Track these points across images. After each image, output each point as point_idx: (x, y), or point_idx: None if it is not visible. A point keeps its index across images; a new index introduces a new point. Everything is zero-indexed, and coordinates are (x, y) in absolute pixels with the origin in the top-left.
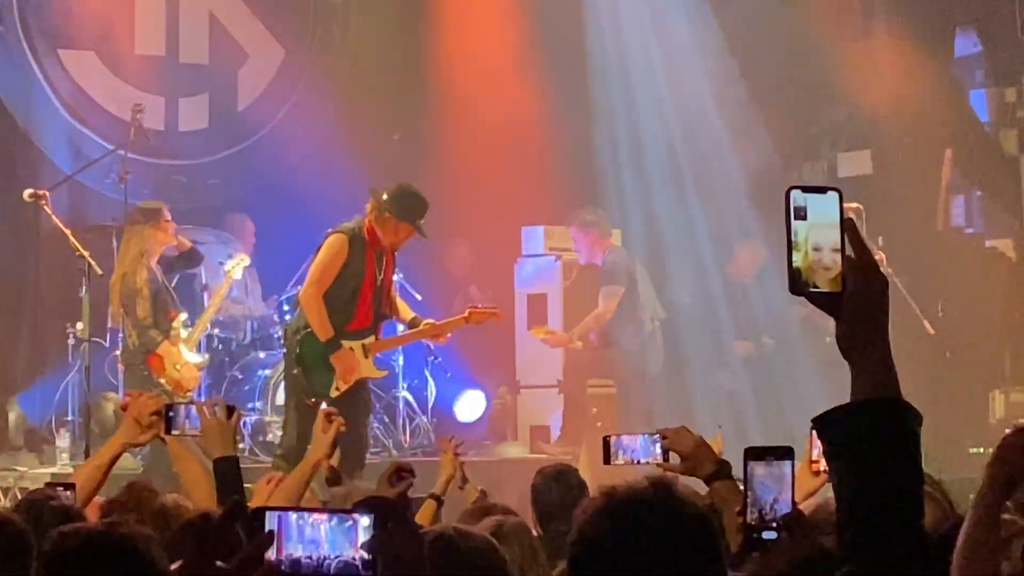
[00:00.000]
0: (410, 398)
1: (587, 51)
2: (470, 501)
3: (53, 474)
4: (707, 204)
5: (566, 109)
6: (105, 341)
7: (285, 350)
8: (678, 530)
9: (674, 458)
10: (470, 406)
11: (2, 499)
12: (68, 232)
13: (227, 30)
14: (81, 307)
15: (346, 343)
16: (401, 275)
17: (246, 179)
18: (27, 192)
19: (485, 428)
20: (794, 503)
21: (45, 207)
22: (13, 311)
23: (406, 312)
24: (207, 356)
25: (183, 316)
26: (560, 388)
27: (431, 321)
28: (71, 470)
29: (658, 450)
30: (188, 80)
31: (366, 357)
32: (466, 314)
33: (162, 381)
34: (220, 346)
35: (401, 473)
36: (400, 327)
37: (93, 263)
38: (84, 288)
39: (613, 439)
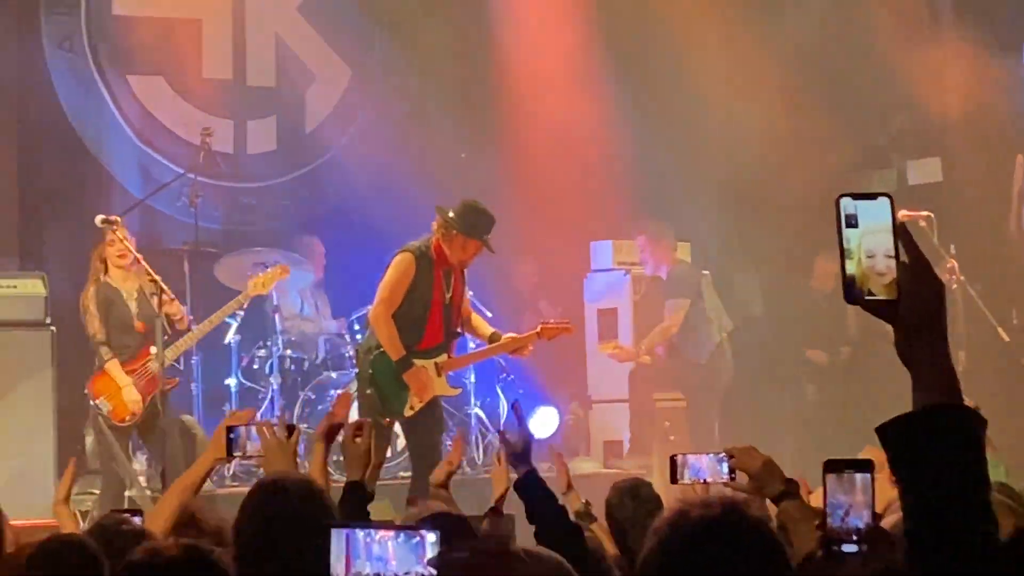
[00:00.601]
0: (482, 415)
1: (652, 63)
2: (572, 509)
3: (130, 497)
4: (776, 214)
5: (633, 122)
6: (180, 364)
7: (358, 370)
8: (749, 552)
9: (741, 477)
10: (543, 422)
11: (81, 522)
12: (140, 257)
13: (293, 52)
14: (154, 331)
15: (418, 362)
16: (471, 292)
17: (315, 200)
18: (99, 218)
19: (559, 443)
20: (875, 516)
21: (117, 232)
22: (87, 336)
23: (484, 329)
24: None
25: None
26: (629, 402)
27: (512, 335)
28: (148, 492)
29: (725, 469)
30: (256, 102)
31: (439, 375)
32: (538, 329)
33: (97, 403)
34: (292, 366)
35: (357, 431)
36: (472, 344)
37: (165, 287)
38: (158, 312)
39: (680, 458)
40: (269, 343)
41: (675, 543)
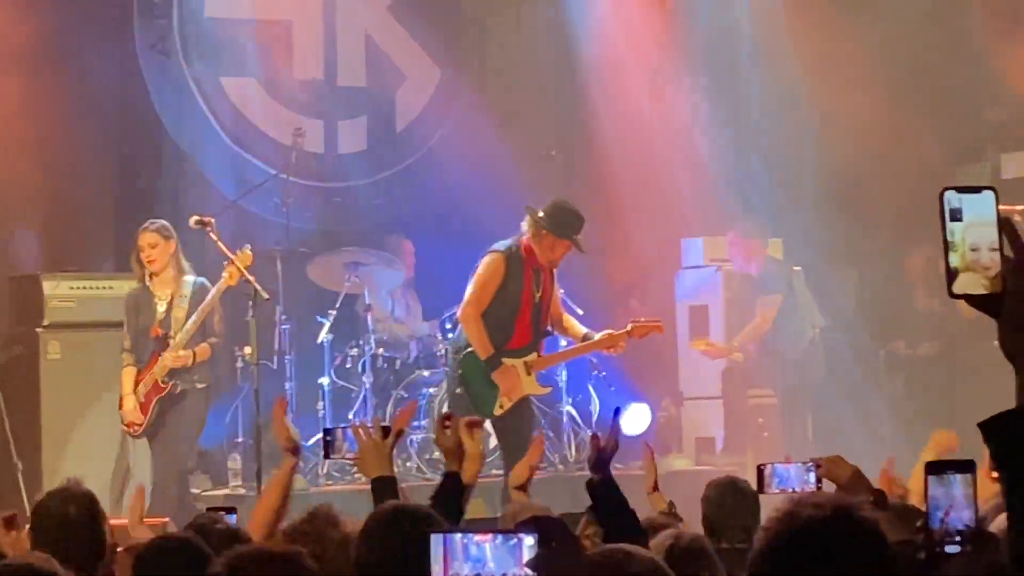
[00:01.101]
0: (575, 413)
1: (746, 56)
2: (656, 509)
3: (226, 495)
4: (868, 209)
5: (725, 118)
6: (273, 364)
7: (448, 369)
8: (858, 553)
9: (828, 487)
10: (635, 419)
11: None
12: (234, 257)
13: (384, 52)
14: (248, 331)
15: (507, 361)
16: (562, 290)
17: (405, 199)
18: (193, 219)
19: (651, 441)
20: (977, 516)
21: (211, 233)
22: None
23: (576, 329)
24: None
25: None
26: (722, 399)
27: (607, 332)
28: (243, 491)
29: (812, 479)
30: (346, 103)
31: (528, 374)
32: (628, 328)
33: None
34: (384, 365)
35: (445, 422)
36: (563, 343)
37: (259, 288)
38: (251, 312)
39: (767, 468)
40: (361, 342)
41: (784, 542)
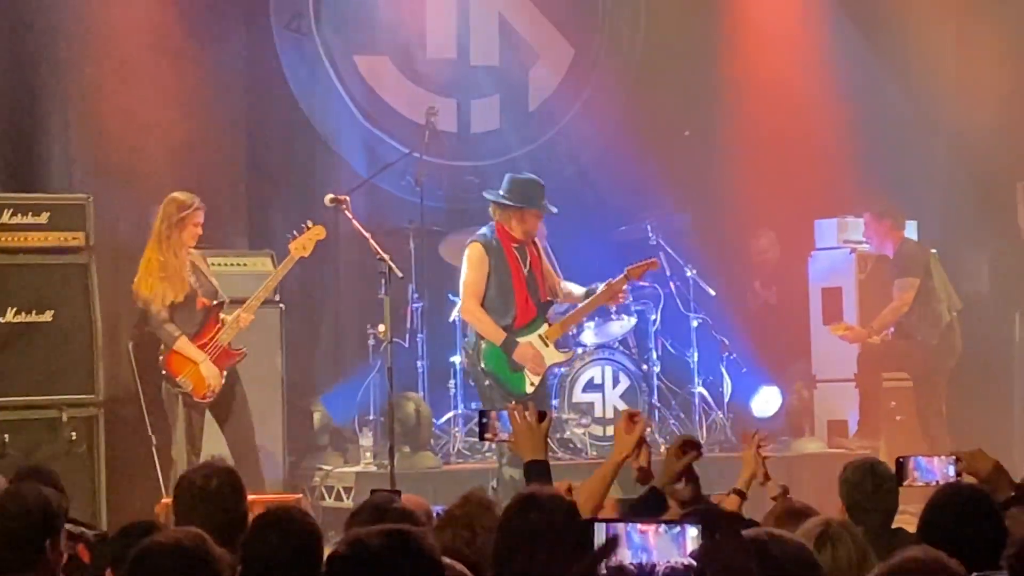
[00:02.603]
0: (706, 394)
1: (881, 35)
2: (770, 497)
3: (357, 473)
4: (1004, 190)
5: (860, 98)
6: (405, 342)
7: (467, 368)
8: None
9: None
10: (766, 401)
11: (308, 496)
12: (368, 235)
13: (517, 31)
14: (382, 309)
15: (521, 339)
16: (694, 270)
17: (538, 177)
18: (328, 197)
19: (782, 423)
20: None
21: (346, 211)
22: (315, 314)
23: (578, 289)
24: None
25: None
26: (856, 382)
27: (609, 281)
28: (374, 468)
29: (952, 472)
30: (479, 82)
31: (547, 346)
32: (625, 273)
33: (179, 381)
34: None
35: (686, 447)
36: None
37: (393, 265)
38: (384, 290)
39: (910, 460)
40: None
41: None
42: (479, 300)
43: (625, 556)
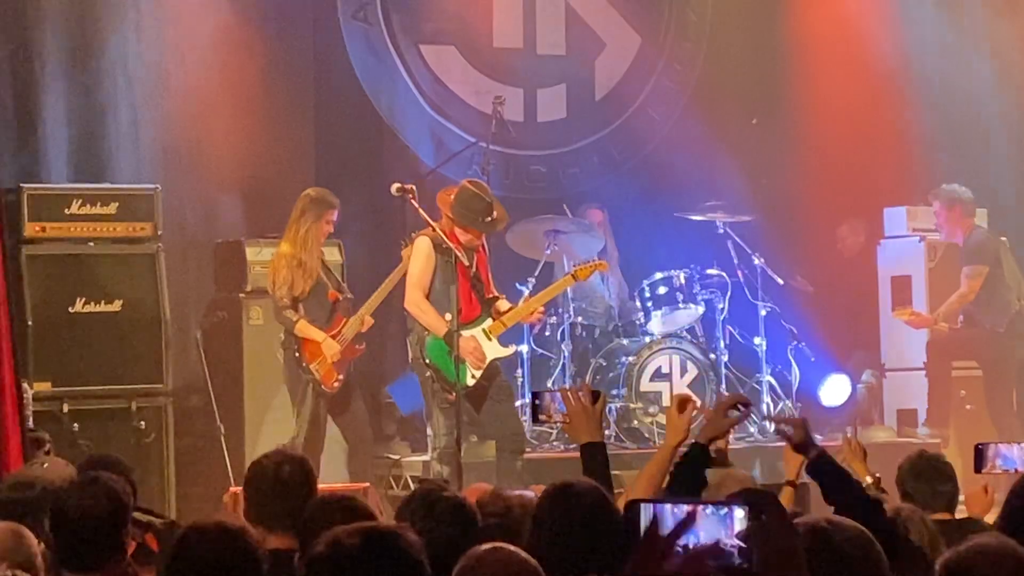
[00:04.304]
0: (774, 382)
1: (951, 21)
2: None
3: (424, 461)
4: None
5: (930, 83)
6: None
7: (415, 361)
8: None
9: None
10: (835, 390)
11: (395, 487)
12: (434, 224)
13: (583, 19)
14: (448, 298)
15: (465, 332)
16: (762, 259)
17: (604, 168)
18: (395, 186)
19: (851, 412)
20: None
21: (412, 200)
22: (383, 304)
23: (504, 305)
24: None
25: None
26: (925, 370)
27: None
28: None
29: None
30: (546, 71)
31: (489, 340)
32: (573, 272)
33: (312, 368)
34: (583, 333)
35: (738, 405)
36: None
37: (460, 254)
38: (451, 279)
39: (990, 448)
40: (560, 310)
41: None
42: (424, 292)
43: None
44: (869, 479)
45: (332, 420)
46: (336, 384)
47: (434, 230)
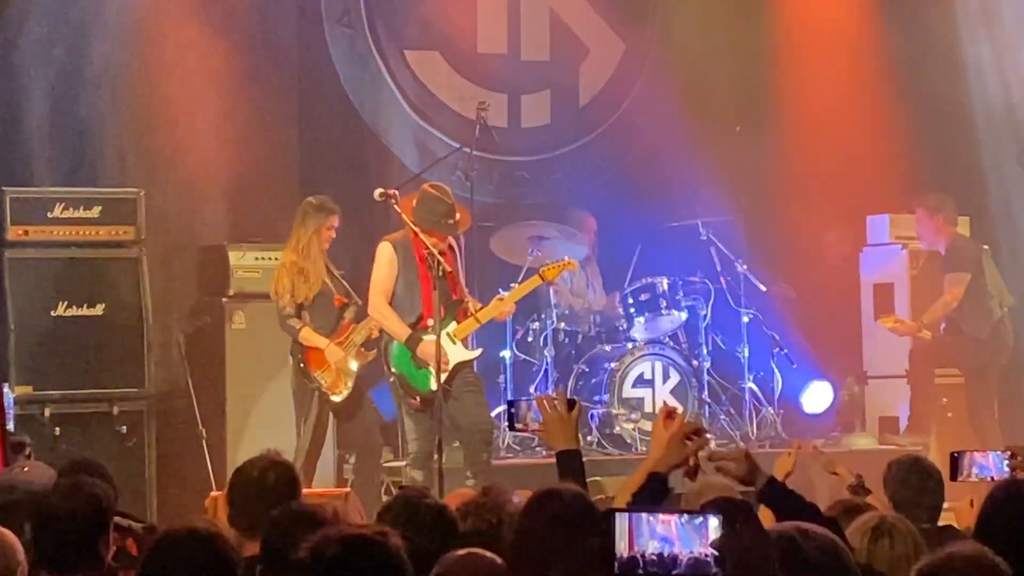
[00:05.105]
0: (756, 389)
1: (930, 29)
2: (846, 486)
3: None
4: None
5: (912, 93)
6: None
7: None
8: None
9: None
10: (817, 397)
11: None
12: (417, 230)
13: (567, 26)
14: (412, 302)
15: (427, 337)
16: (746, 266)
17: (588, 174)
18: (378, 191)
19: (832, 419)
20: None
21: (395, 206)
22: (364, 308)
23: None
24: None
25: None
26: (907, 378)
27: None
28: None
29: (1006, 468)
30: (530, 77)
31: (453, 343)
32: (540, 272)
33: (317, 377)
34: (566, 339)
35: (694, 434)
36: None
37: (441, 260)
38: (433, 285)
39: (966, 456)
40: (543, 316)
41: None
42: (387, 298)
43: (649, 546)
44: (851, 479)
45: (338, 426)
46: (344, 391)
47: (416, 235)
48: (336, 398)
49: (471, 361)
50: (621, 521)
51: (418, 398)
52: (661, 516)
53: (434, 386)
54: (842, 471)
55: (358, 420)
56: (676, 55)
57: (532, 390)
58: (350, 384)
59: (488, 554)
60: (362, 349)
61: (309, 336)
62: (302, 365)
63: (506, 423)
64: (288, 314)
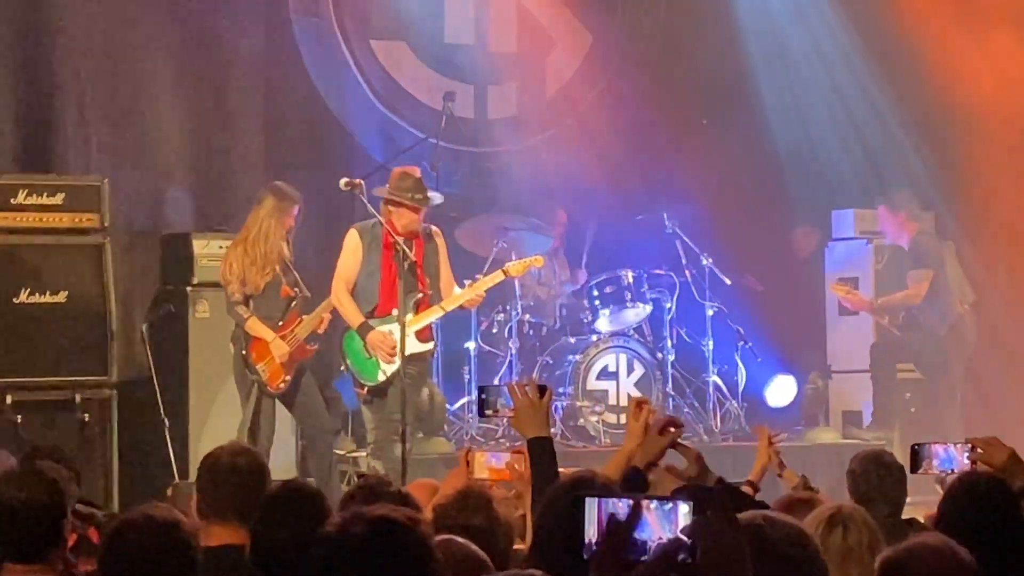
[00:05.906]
0: (720, 382)
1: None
2: (790, 487)
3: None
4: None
5: (877, 91)
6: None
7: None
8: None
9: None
10: (781, 391)
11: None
12: (383, 220)
13: (535, 17)
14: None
15: (382, 328)
16: (711, 260)
17: (554, 165)
18: (343, 181)
19: (796, 413)
20: None
21: (360, 196)
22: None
23: (450, 289)
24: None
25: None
26: (870, 373)
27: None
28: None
29: (967, 460)
30: (497, 68)
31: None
32: (504, 268)
33: (259, 369)
34: (531, 331)
35: (668, 426)
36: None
37: (407, 250)
38: (398, 275)
39: (926, 448)
40: (508, 307)
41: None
42: (348, 285)
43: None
44: (797, 479)
45: (289, 413)
46: (282, 385)
47: (386, 226)
48: (274, 392)
49: (423, 354)
50: (591, 507)
51: (365, 388)
52: (631, 502)
53: (381, 377)
54: (787, 474)
55: (301, 407)
56: (643, 47)
57: (496, 381)
58: (288, 379)
59: (462, 540)
60: (305, 344)
61: (255, 326)
62: (244, 353)
63: (476, 409)
64: (236, 300)
